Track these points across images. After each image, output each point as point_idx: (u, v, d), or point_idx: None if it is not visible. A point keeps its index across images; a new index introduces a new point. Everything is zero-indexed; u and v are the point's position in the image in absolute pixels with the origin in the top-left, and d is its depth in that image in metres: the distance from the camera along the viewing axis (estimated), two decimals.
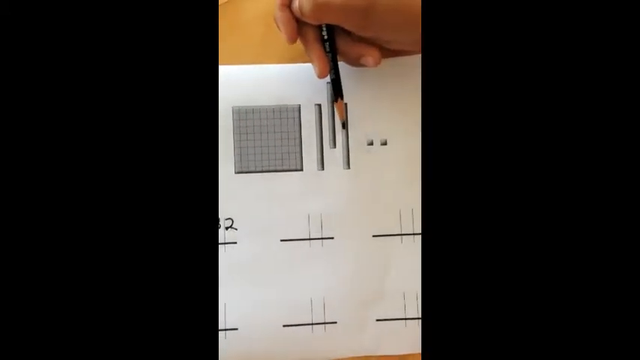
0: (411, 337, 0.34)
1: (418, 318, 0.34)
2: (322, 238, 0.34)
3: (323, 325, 0.34)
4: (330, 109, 0.35)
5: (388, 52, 0.33)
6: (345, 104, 0.35)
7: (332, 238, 0.34)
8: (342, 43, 0.32)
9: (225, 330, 0.33)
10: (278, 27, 0.32)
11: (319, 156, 0.35)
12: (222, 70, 0.35)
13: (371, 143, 0.35)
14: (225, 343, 0.33)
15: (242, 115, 0.35)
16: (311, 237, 0.34)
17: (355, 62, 0.33)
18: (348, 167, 0.35)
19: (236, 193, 0.34)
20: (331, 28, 0.32)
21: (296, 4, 0.30)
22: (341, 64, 0.34)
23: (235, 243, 0.34)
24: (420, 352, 0.34)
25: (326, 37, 0.32)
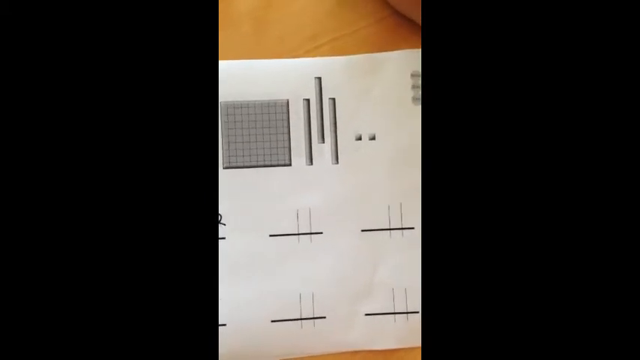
0: (400, 332, 0.34)
1: (407, 312, 0.34)
2: (311, 233, 0.34)
3: (312, 320, 0.34)
4: (318, 104, 0.35)
5: None
6: (333, 99, 0.35)
7: (321, 233, 0.34)
8: None
9: None
10: None
11: (308, 151, 0.35)
12: None
13: (359, 138, 0.35)
14: None
15: (230, 110, 0.35)
16: (300, 232, 0.34)
17: None
18: (337, 162, 0.35)
19: (224, 188, 0.34)
20: None
21: None
22: (332, 59, 0.34)
23: (224, 238, 0.34)
24: (409, 346, 0.34)
25: None
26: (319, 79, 0.35)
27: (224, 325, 0.33)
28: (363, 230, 0.34)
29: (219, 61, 0.35)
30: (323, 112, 0.35)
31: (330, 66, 0.35)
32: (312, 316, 0.34)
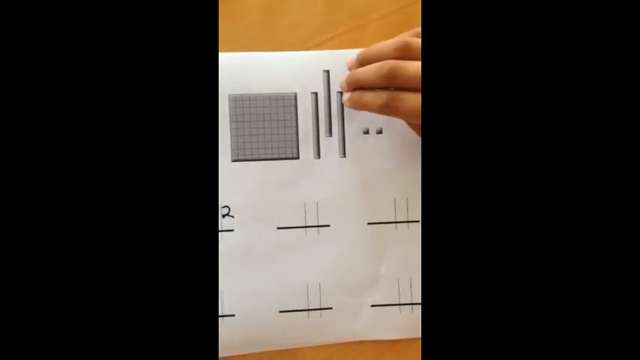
0: (404, 323, 0.35)
1: (412, 304, 0.35)
2: (318, 226, 0.35)
3: (319, 311, 0.34)
4: (326, 97, 0.35)
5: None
6: (341, 93, 0.35)
7: (328, 225, 0.35)
8: None
9: (222, 316, 0.34)
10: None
11: (315, 144, 0.35)
12: (219, 56, 0.34)
13: (367, 132, 0.35)
14: (222, 329, 0.34)
15: (238, 102, 0.35)
16: (307, 225, 0.35)
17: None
18: (344, 156, 0.35)
19: (232, 181, 0.34)
20: None
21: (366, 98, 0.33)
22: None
23: (232, 231, 0.34)
24: (414, 337, 0.34)
25: None
26: (327, 72, 0.35)
27: (232, 315, 0.34)
28: (369, 223, 0.35)
29: (227, 53, 0.35)
30: (331, 106, 0.35)
31: (338, 59, 0.35)
32: (318, 307, 0.34)
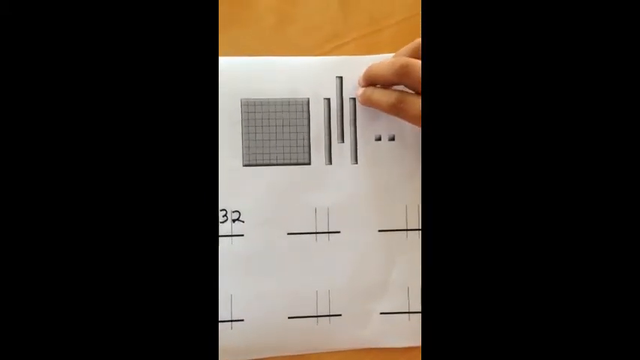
0: (414, 331, 0.34)
1: (421, 312, 0.35)
2: (329, 232, 0.35)
3: (328, 318, 0.34)
4: (339, 103, 0.35)
5: None
6: (354, 99, 0.35)
7: (338, 232, 0.35)
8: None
9: (232, 321, 0.34)
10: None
11: (327, 150, 0.35)
12: (232, 61, 0.34)
13: (379, 138, 0.35)
14: (231, 333, 0.34)
15: (250, 107, 0.34)
16: (317, 231, 0.34)
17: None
18: (356, 162, 0.35)
19: (243, 185, 0.34)
20: None
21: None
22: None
23: (242, 235, 0.34)
24: None
25: None
26: (340, 78, 0.35)
27: (241, 320, 0.34)
28: (380, 230, 0.35)
29: (240, 57, 0.34)
30: (343, 112, 0.35)
31: (351, 65, 0.35)
32: (328, 314, 0.34)
